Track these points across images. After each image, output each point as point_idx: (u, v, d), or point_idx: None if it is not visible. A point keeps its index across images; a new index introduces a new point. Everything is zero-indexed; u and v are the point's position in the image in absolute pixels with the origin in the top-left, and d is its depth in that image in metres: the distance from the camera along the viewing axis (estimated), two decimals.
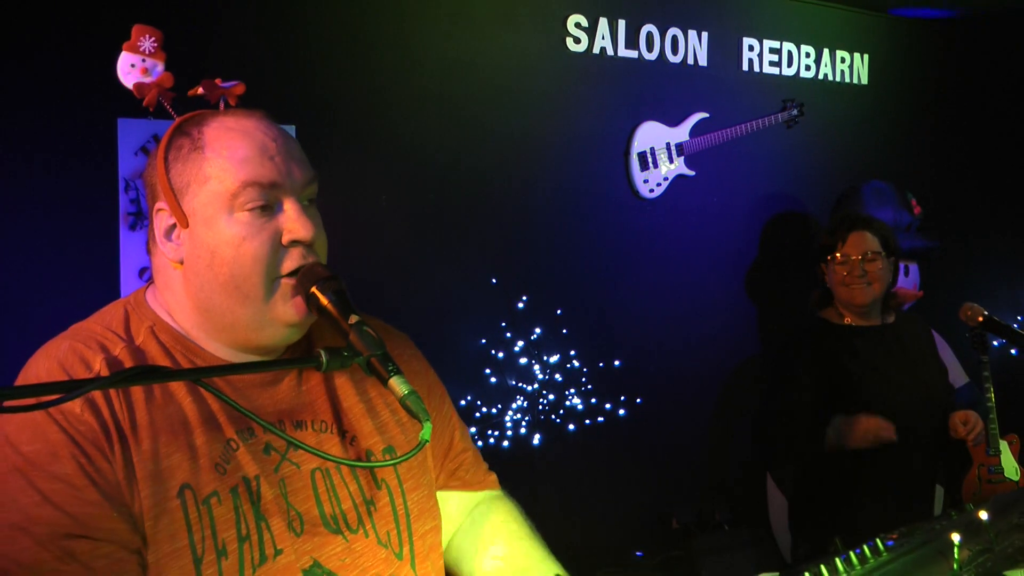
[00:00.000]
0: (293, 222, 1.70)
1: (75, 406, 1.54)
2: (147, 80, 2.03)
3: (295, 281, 1.71)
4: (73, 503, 1.51)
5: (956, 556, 1.67)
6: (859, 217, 4.04)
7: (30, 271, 3.53)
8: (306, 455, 1.75)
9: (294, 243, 1.71)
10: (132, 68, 2.08)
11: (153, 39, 2.12)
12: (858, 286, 3.90)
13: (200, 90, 2.01)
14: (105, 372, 1.61)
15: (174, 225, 1.72)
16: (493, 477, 2.26)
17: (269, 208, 1.70)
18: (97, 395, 1.57)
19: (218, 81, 2.06)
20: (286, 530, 1.69)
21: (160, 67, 2.10)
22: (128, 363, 1.65)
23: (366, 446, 1.85)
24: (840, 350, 3.90)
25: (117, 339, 1.69)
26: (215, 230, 1.68)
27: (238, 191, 1.67)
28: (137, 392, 1.62)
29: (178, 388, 1.66)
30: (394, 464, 1.86)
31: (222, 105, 1.97)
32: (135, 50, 2.10)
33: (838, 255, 3.93)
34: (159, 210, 1.73)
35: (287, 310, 1.72)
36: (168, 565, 1.56)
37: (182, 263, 1.72)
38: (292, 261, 1.71)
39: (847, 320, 4.00)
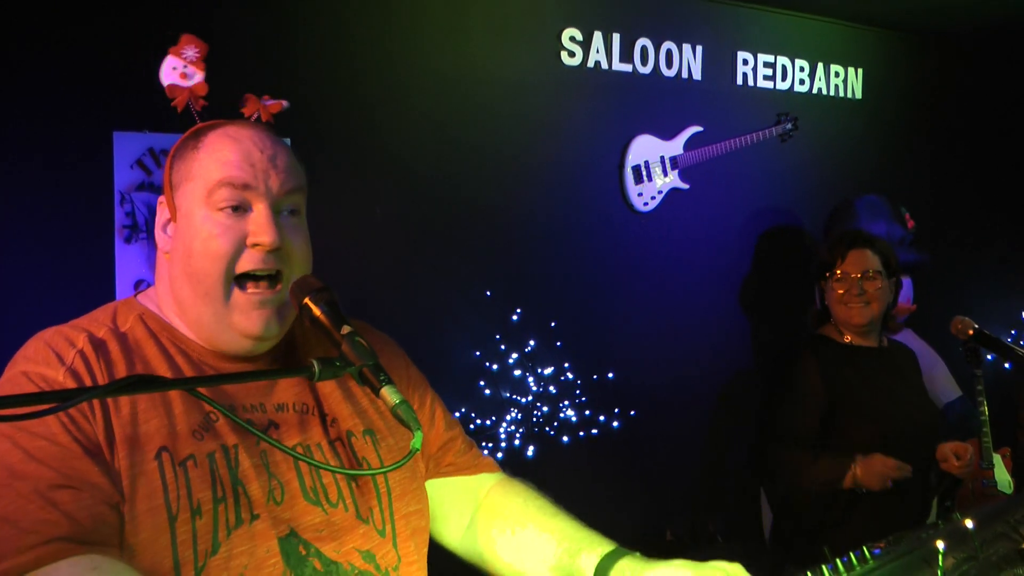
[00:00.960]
0: (258, 225, 1.77)
1: (58, 375, 1.64)
2: (184, 84, 2.12)
3: (256, 293, 1.78)
4: (56, 458, 1.57)
5: (940, 564, 1.68)
6: (860, 235, 4.01)
7: (26, 284, 3.53)
8: (289, 432, 1.81)
9: (255, 245, 1.77)
10: (173, 70, 2.17)
11: (197, 49, 2.20)
12: (856, 305, 3.86)
13: (246, 104, 2.11)
14: (88, 349, 1.70)
15: (169, 219, 1.82)
16: (488, 460, 2.27)
17: (241, 210, 1.77)
18: (79, 366, 1.66)
19: (266, 98, 2.14)
20: (265, 497, 1.72)
21: (200, 76, 2.18)
22: (111, 343, 1.74)
23: (346, 428, 1.90)
24: (841, 366, 3.88)
25: (101, 325, 1.78)
26: (192, 225, 1.77)
27: (213, 189, 1.75)
28: (118, 364, 1.71)
29: (160, 366, 1.75)
30: (383, 472, 1.88)
31: (254, 119, 2.04)
32: (179, 55, 2.18)
33: (837, 272, 3.90)
34: (160, 203, 1.84)
35: (243, 321, 1.78)
36: (144, 522, 1.61)
37: (169, 255, 1.83)
38: (249, 262, 1.77)
39: (847, 339, 3.98)
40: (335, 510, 1.80)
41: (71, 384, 1.64)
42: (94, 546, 1.52)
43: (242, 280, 1.77)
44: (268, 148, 1.81)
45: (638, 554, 1.90)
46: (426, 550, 2.01)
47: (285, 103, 2.13)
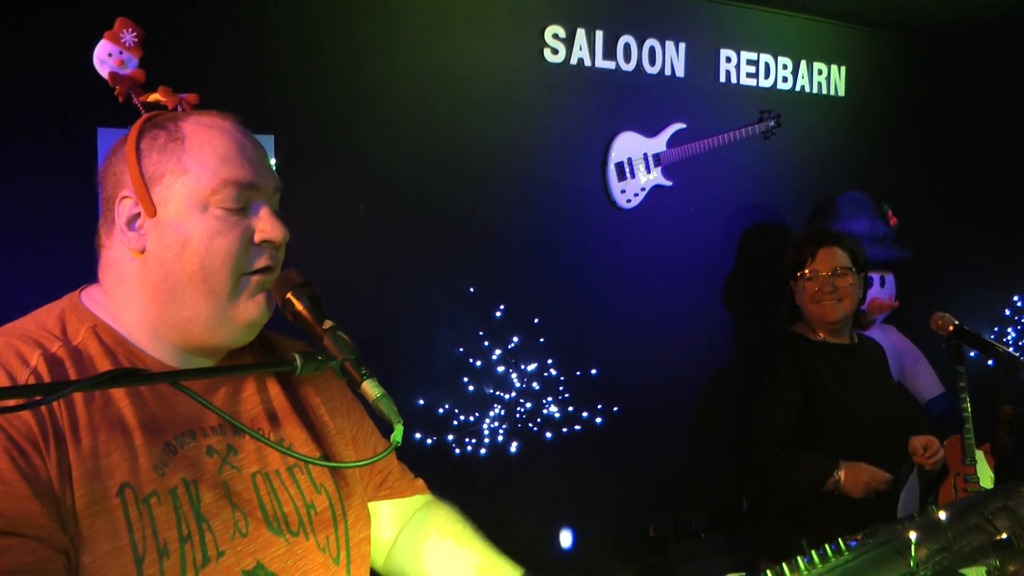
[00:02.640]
0: (266, 223, 1.74)
1: (11, 402, 1.45)
2: (122, 72, 2.04)
3: (260, 278, 1.74)
4: (2, 498, 1.47)
5: (913, 554, 1.69)
6: (828, 232, 4.01)
7: (10, 280, 3.53)
8: (247, 459, 1.76)
9: (265, 243, 1.74)
10: (109, 57, 2.10)
11: (134, 33, 2.13)
12: (828, 302, 3.86)
13: (159, 95, 2.03)
14: (43, 368, 1.59)
15: (138, 214, 1.71)
16: (420, 482, 2.27)
17: (243, 209, 1.72)
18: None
19: (170, 90, 2.08)
20: (229, 531, 1.68)
21: (135, 62, 2.11)
22: (66, 362, 1.63)
23: (303, 452, 1.86)
24: (816, 363, 3.88)
25: (53, 338, 1.66)
26: (188, 222, 1.68)
27: (217, 188, 1.69)
28: (75, 393, 1.59)
29: (116, 391, 1.65)
30: (364, 465, 1.88)
31: (179, 110, 2.00)
32: (116, 40, 2.11)
33: (807, 271, 3.90)
34: (124, 198, 1.71)
35: (247, 308, 1.74)
36: (107, 564, 1.54)
37: (143, 252, 1.71)
38: (262, 260, 1.74)
39: (820, 336, 3.98)
40: (296, 539, 1.78)
41: (26, 414, 1.52)
42: None
43: (244, 274, 1.74)
44: (252, 141, 1.78)
45: None
46: (369, 573, 2.00)
47: (197, 95, 2.09)
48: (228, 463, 1.73)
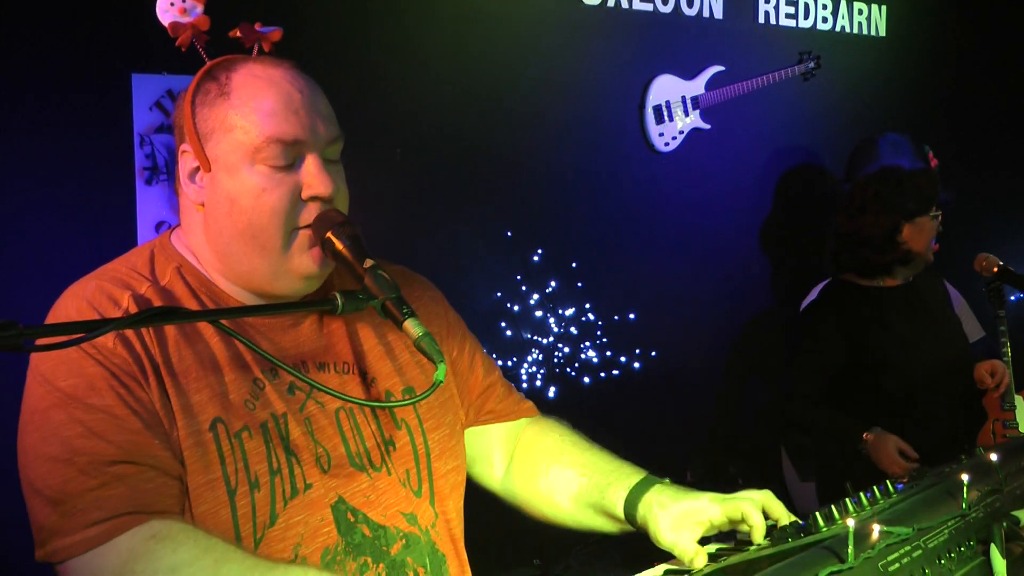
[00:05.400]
0: (313, 177, 1.73)
1: (108, 340, 1.58)
2: (184, 20, 2.02)
3: (312, 233, 1.74)
4: (116, 432, 1.55)
5: (965, 496, 1.68)
6: (935, 173, 3.98)
7: (48, 227, 3.54)
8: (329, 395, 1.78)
9: (313, 198, 1.73)
10: (171, 7, 2.07)
11: None
12: (931, 246, 3.87)
13: (238, 33, 2.00)
14: (133, 309, 1.64)
15: (198, 167, 1.74)
16: (528, 404, 2.28)
17: (290, 165, 1.72)
18: (129, 331, 1.61)
19: (257, 26, 2.05)
20: (314, 466, 1.73)
21: (199, 9, 2.08)
22: (156, 302, 1.69)
23: (385, 387, 1.89)
24: (866, 314, 3.85)
25: (143, 279, 1.72)
26: (236, 179, 1.70)
27: (262, 146, 1.69)
28: (168, 330, 1.66)
29: (206, 328, 1.70)
30: (411, 403, 1.88)
31: (256, 51, 1.97)
32: None
33: (934, 211, 3.86)
34: (184, 152, 1.75)
35: (303, 261, 1.75)
36: (203, 495, 1.61)
37: (203, 206, 1.75)
38: (310, 215, 1.74)
39: (876, 281, 3.93)
40: (379, 474, 1.81)
41: (122, 350, 1.60)
42: (155, 514, 1.53)
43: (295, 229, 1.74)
44: (305, 88, 1.77)
45: (667, 481, 1.91)
46: (462, 503, 2.02)
47: (281, 29, 2.05)
48: (312, 398, 1.77)
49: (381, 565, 1.77)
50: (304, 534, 1.69)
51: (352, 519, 1.75)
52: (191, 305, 1.73)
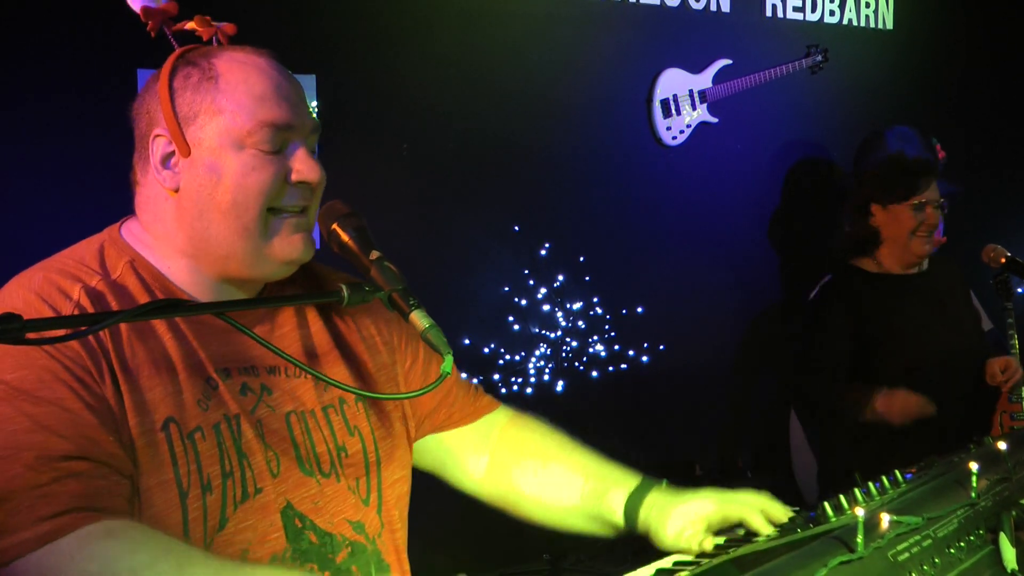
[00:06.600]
0: (302, 163, 1.72)
1: (59, 333, 1.45)
2: (154, 6, 2.01)
3: (295, 219, 1.73)
4: (68, 426, 1.49)
5: (974, 485, 1.68)
6: (932, 162, 3.92)
7: (51, 223, 3.53)
8: (281, 398, 1.75)
9: (301, 183, 1.72)
10: None
11: None
12: (925, 238, 3.80)
13: (193, 24, 1.99)
14: (85, 301, 1.61)
15: (172, 153, 1.71)
16: (487, 399, 2.22)
17: (279, 150, 1.71)
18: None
19: (208, 19, 2.05)
20: (265, 469, 1.69)
21: None
22: (107, 295, 1.64)
23: (339, 392, 1.84)
24: (875, 302, 3.83)
25: (92, 272, 1.68)
26: (223, 160, 1.68)
27: (253, 129, 1.68)
28: (120, 326, 1.60)
29: (159, 325, 1.66)
30: (413, 396, 1.89)
31: (215, 43, 1.97)
32: None
33: (917, 200, 3.80)
34: (157, 136, 1.72)
35: (285, 246, 1.73)
36: (154, 496, 1.56)
37: (177, 191, 1.71)
38: (291, 198, 1.72)
39: (885, 267, 3.91)
40: (327, 481, 1.77)
41: (74, 343, 1.53)
42: (108, 513, 1.46)
43: (275, 210, 1.72)
44: (289, 79, 1.76)
45: (665, 483, 1.91)
46: (407, 513, 1.99)
47: (234, 25, 2.05)
48: (263, 401, 1.73)
49: (327, 573, 1.74)
50: (252, 540, 1.65)
51: (300, 525, 1.71)
52: (143, 300, 1.66)
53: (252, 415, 1.70)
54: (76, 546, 1.41)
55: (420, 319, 1.63)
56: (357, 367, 1.90)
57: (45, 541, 1.40)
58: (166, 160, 1.72)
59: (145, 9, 2.05)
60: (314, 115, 1.80)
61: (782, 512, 1.81)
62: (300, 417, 1.77)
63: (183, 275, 1.74)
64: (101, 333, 1.57)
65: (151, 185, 1.75)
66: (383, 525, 1.86)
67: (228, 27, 2.04)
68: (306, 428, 1.77)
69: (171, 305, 1.48)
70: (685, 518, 1.82)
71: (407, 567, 1.95)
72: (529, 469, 2.12)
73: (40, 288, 1.62)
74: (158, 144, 1.71)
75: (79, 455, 1.47)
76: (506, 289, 4.64)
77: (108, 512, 1.46)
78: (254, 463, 1.67)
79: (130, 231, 1.79)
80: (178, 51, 1.79)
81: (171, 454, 1.58)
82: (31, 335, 1.30)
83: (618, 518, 1.95)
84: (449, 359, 1.62)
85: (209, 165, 1.68)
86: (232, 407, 1.68)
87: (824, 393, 3.82)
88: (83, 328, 1.35)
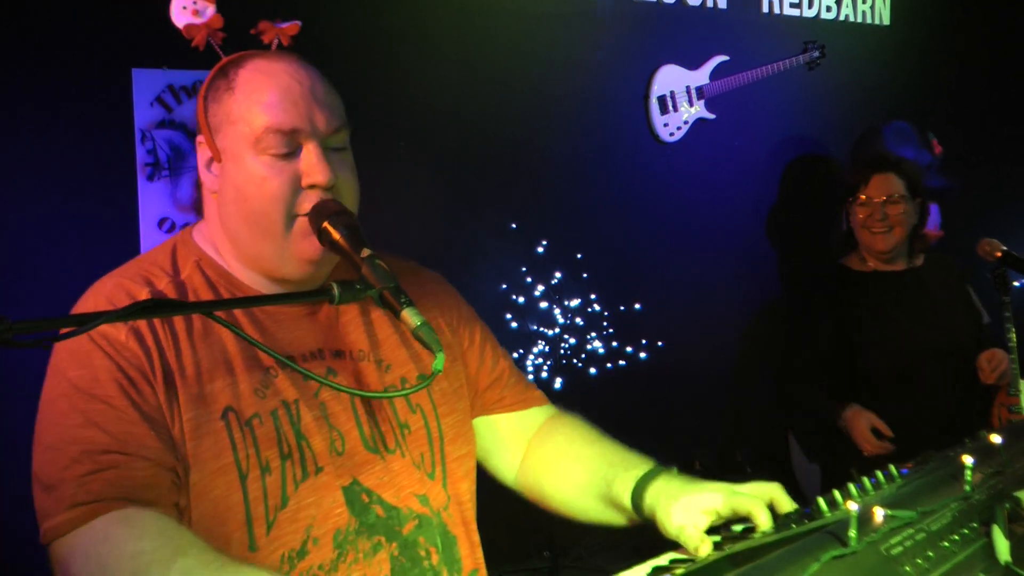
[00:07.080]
0: (311, 166, 1.76)
1: (120, 335, 1.66)
2: (197, 21, 2.07)
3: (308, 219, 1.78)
4: (112, 422, 1.60)
5: (968, 478, 1.68)
6: (886, 158, 3.96)
7: (49, 224, 3.55)
8: (345, 381, 1.84)
9: (311, 186, 1.76)
10: (184, 10, 2.12)
11: None
12: (878, 231, 3.83)
13: (261, 29, 2.06)
14: None
15: (211, 158, 1.81)
16: (537, 393, 2.28)
17: (292, 154, 1.77)
18: (142, 325, 1.68)
19: (278, 21, 2.09)
20: (327, 450, 1.78)
21: (211, 9, 2.12)
22: (172, 295, 1.75)
23: (401, 374, 1.93)
24: (857, 300, 3.86)
25: (163, 273, 1.79)
26: (241, 168, 1.76)
27: (261, 136, 1.74)
28: (180, 324, 1.72)
29: (225, 318, 1.72)
30: (399, 396, 1.92)
31: (274, 45, 2.02)
32: None
33: (861, 196, 3.87)
34: (200, 143, 1.83)
35: (304, 246, 1.78)
36: (214, 481, 1.67)
37: (216, 194, 1.83)
38: (309, 203, 1.77)
39: (870, 265, 3.95)
40: (393, 457, 1.86)
41: (133, 344, 1.66)
42: (138, 503, 1.57)
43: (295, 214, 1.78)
44: (305, 80, 1.81)
45: (675, 471, 1.92)
46: (475, 488, 2.05)
47: (299, 23, 2.08)
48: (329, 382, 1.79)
49: (394, 544, 1.81)
50: (316, 515, 1.73)
51: (366, 500, 1.80)
52: (207, 296, 1.79)
53: (316, 398, 1.80)
54: (97, 530, 1.54)
55: (411, 317, 1.64)
56: (415, 351, 1.97)
57: (73, 526, 1.54)
58: (208, 164, 1.83)
59: (188, 26, 2.10)
60: (336, 113, 1.85)
61: (789, 504, 1.81)
62: (364, 398, 1.86)
63: (240, 271, 1.85)
64: (160, 333, 1.69)
65: (204, 187, 1.87)
66: (449, 498, 1.94)
67: (290, 28, 2.10)
68: (370, 408, 1.87)
69: (157, 305, 1.52)
70: (693, 506, 1.81)
71: (476, 539, 2.02)
72: (551, 465, 2.16)
73: (110, 292, 1.74)
74: (202, 150, 1.83)
75: (118, 449, 1.59)
76: (504, 286, 4.65)
77: (137, 502, 1.57)
78: (314, 444, 1.77)
79: (199, 231, 1.91)
80: (221, 62, 1.87)
81: (230, 440, 1.69)
82: (26, 336, 1.32)
83: (626, 501, 1.95)
84: (440, 357, 1.63)
85: (232, 173, 1.78)
86: (290, 394, 1.77)
87: (802, 396, 3.86)
88: (73, 328, 1.37)
